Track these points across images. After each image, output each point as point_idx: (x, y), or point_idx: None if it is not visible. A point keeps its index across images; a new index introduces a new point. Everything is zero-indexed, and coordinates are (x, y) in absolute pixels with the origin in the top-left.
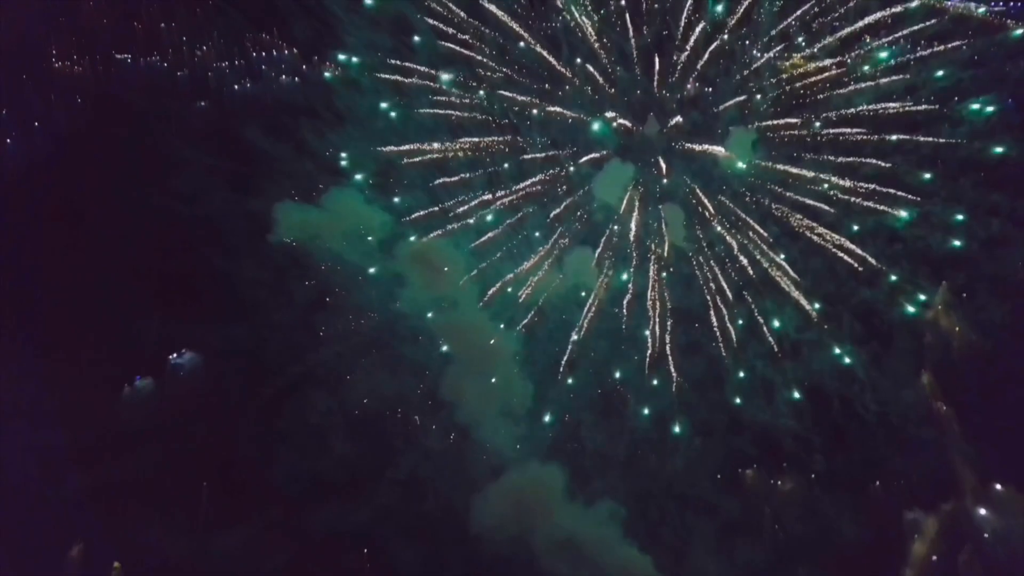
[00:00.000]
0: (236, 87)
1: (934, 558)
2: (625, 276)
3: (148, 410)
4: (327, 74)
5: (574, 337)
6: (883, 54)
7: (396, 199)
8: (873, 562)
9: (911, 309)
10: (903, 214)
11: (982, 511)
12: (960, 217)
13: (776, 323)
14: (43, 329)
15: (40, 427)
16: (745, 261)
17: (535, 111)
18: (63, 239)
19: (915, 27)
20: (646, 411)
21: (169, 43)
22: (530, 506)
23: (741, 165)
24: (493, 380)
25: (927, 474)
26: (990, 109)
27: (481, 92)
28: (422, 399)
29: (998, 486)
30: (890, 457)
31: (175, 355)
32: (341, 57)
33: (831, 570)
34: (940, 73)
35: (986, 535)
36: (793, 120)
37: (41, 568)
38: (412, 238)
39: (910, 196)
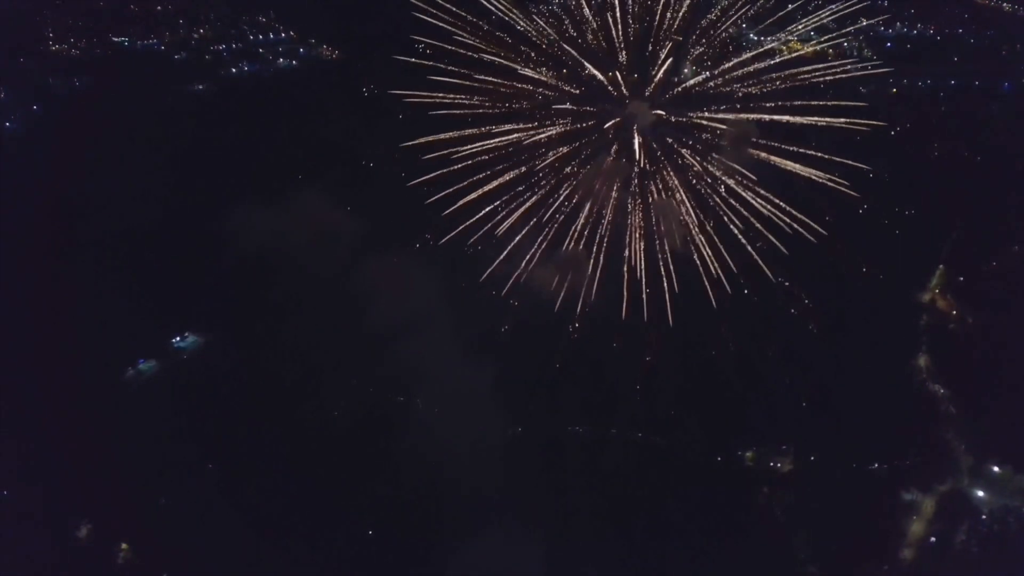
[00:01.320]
0: (234, 70)
1: (932, 539)
2: (618, 277)
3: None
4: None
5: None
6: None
7: (372, 204)
8: (872, 542)
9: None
10: None
11: (979, 492)
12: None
13: (776, 320)
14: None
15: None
16: (744, 258)
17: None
18: (51, 234)
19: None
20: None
21: (166, 25)
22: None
23: (738, 164)
24: (467, 410)
25: (924, 455)
26: None
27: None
28: (390, 433)
29: (995, 467)
30: (888, 438)
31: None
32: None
33: (830, 551)
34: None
35: (983, 516)
36: (794, 119)
37: (49, 548)
38: (385, 249)
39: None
